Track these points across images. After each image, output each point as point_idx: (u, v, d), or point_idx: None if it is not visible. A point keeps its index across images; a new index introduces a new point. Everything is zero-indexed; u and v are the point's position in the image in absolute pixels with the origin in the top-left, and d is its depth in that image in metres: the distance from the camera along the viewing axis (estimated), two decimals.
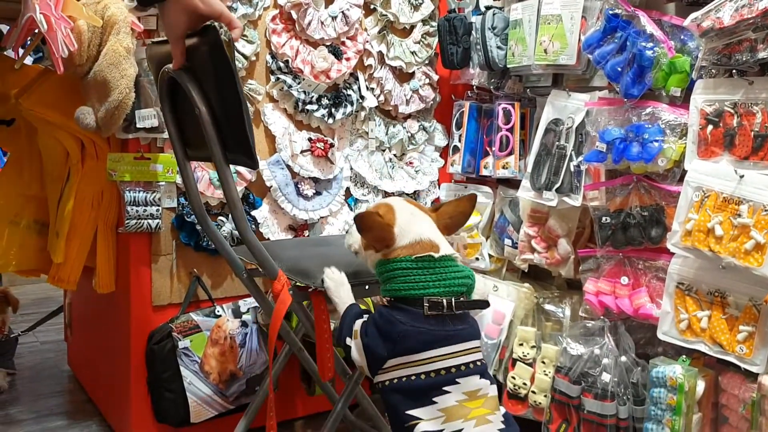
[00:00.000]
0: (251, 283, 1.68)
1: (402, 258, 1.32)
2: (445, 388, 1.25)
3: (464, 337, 1.30)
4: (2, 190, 2.12)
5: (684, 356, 1.72)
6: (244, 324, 1.96)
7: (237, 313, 1.97)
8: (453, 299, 1.29)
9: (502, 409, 1.30)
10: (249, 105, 1.97)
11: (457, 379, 1.26)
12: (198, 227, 1.89)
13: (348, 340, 1.35)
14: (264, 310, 1.84)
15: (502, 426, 1.25)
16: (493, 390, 1.30)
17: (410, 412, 1.23)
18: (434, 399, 1.23)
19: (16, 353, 2.63)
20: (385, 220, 1.35)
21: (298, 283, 1.53)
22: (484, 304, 1.39)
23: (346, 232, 1.51)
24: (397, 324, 1.28)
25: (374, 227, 1.34)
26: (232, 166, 1.90)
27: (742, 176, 1.59)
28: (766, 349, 1.57)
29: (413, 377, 1.25)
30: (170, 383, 1.86)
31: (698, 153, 1.69)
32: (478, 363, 1.30)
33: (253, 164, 1.40)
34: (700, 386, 1.68)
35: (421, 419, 1.22)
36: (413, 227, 1.35)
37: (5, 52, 2.00)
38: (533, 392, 2.02)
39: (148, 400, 1.93)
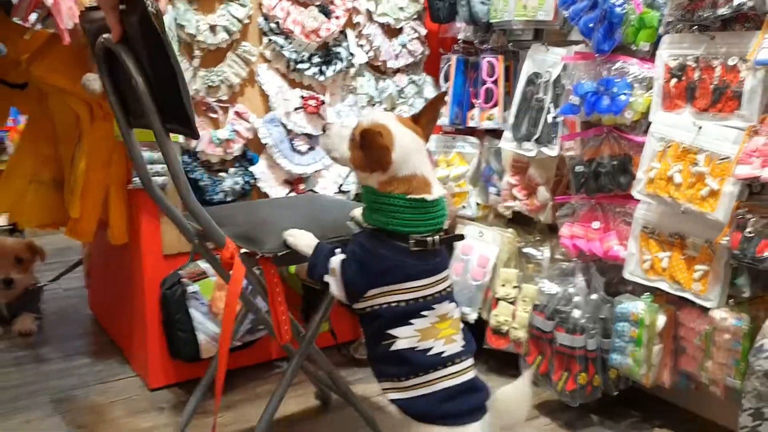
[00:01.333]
0: (204, 249, 1.67)
1: (396, 195, 1.33)
2: (422, 313, 1.36)
3: (440, 268, 1.39)
4: (22, 151, 2.28)
5: (648, 293, 1.87)
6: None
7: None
8: (437, 236, 1.36)
9: (461, 326, 1.44)
10: (244, 65, 2.09)
11: (433, 305, 1.37)
12: (201, 184, 2.05)
13: (326, 277, 1.41)
14: (220, 276, 1.86)
15: (463, 342, 1.41)
16: (457, 312, 1.43)
17: (388, 331, 1.35)
18: (411, 321, 1.35)
19: (44, 300, 2.85)
20: (385, 142, 1.33)
21: (244, 250, 1.53)
22: (460, 237, 1.49)
23: (323, 131, 1.47)
24: (383, 259, 1.34)
25: (375, 148, 1.33)
26: (231, 126, 2.05)
27: (700, 127, 1.70)
28: (719, 286, 1.71)
29: (393, 304, 1.35)
30: (182, 324, 2.05)
31: (663, 105, 1.80)
32: (448, 289, 1.41)
33: (192, 133, 1.39)
34: (661, 320, 1.83)
35: (397, 337, 1.35)
36: (411, 158, 1.35)
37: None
38: (514, 328, 2.19)
39: (162, 339, 2.12)
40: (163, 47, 1.29)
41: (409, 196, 1.34)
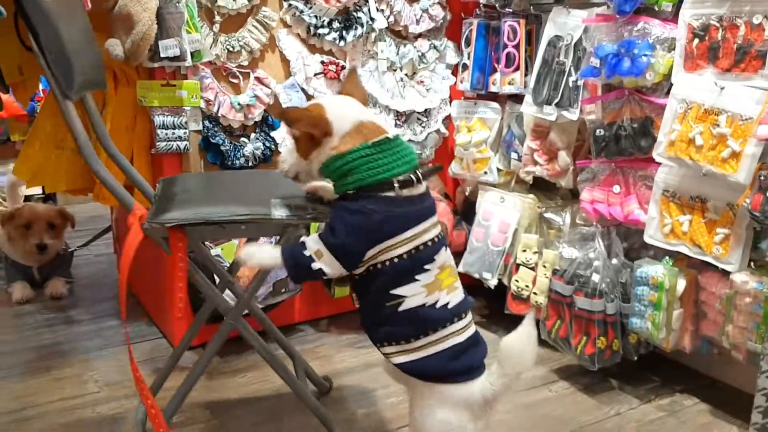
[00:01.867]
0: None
1: (359, 147, 1.30)
2: (425, 267, 1.33)
3: (430, 211, 1.36)
4: (49, 118, 2.32)
5: (668, 257, 1.86)
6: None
7: None
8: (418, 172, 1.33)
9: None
10: (264, 30, 2.10)
11: (433, 256, 1.34)
12: (223, 149, 2.07)
13: (314, 266, 1.33)
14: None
15: (462, 289, 1.41)
16: (451, 259, 1.40)
17: (394, 291, 1.32)
18: (416, 278, 1.33)
19: (74, 265, 2.92)
20: (311, 109, 1.33)
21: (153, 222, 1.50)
22: (439, 168, 1.51)
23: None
24: (373, 214, 1.29)
25: (302, 117, 1.31)
26: (251, 92, 2.06)
27: (722, 88, 1.67)
28: (740, 249, 1.70)
29: (396, 260, 1.31)
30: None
31: (684, 66, 1.77)
32: (441, 235, 1.38)
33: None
34: (681, 284, 1.82)
35: (405, 296, 1.32)
36: (348, 112, 1.33)
37: None
38: (534, 293, 2.19)
39: (187, 301, 2.16)
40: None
41: (370, 142, 1.30)
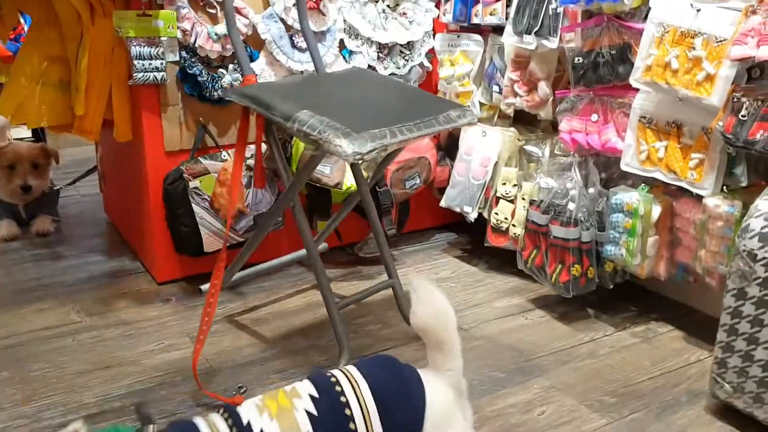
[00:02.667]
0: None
1: None
2: None
3: None
4: (29, 53, 2.30)
5: (643, 185, 1.86)
6: (248, 167, 2.16)
7: None
8: None
9: None
10: None
11: None
12: (200, 79, 2.06)
13: None
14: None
15: None
16: None
17: None
18: None
19: (62, 205, 2.93)
20: None
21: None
22: None
23: None
24: None
25: None
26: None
27: (698, 10, 1.66)
28: (714, 174, 1.70)
29: None
30: (184, 218, 2.10)
31: None
32: None
33: None
34: (656, 211, 1.82)
35: None
36: None
37: None
38: (513, 225, 2.20)
39: (167, 235, 2.18)
40: None
41: None
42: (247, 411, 1.13)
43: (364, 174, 2.04)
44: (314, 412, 1.13)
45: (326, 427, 1.13)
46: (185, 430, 1.13)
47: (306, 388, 1.17)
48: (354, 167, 2.01)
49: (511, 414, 1.60)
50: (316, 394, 1.16)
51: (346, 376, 1.19)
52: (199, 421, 1.14)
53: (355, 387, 1.17)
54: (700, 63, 1.63)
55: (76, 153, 3.67)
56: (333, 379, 1.18)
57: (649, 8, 1.77)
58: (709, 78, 1.62)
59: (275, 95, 1.67)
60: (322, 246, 2.35)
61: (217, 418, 1.14)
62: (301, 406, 1.14)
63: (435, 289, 1.23)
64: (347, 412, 1.14)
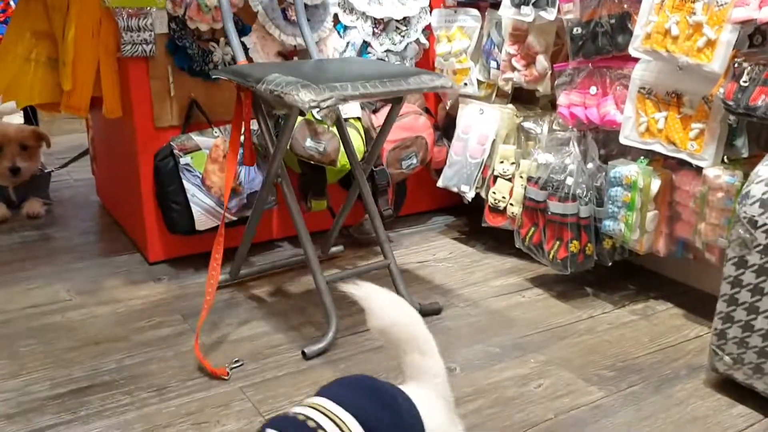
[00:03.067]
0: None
1: None
2: None
3: None
4: (16, 30, 2.26)
5: (642, 158, 1.82)
6: (241, 144, 2.12)
7: None
8: None
9: None
10: None
11: None
12: (190, 52, 2.02)
13: None
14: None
15: None
16: None
17: None
18: None
19: (54, 189, 2.90)
20: None
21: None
22: None
23: None
24: None
25: None
26: None
27: None
28: (714, 144, 1.66)
29: None
30: (175, 196, 2.06)
31: None
32: None
33: None
34: (655, 184, 1.78)
35: None
36: None
37: None
38: (511, 204, 2.16)
39: (159, 213, 2.14)
40: None
41: None
42: None
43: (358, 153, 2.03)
44: None
45: None
46: None
47: None
48: (345, 143, 1.98)
49: (507, 387, 1.56)
50: None
51: (323, 413, 0.89)
52: None
53: (339, 424, 0.88)
54: (700, 28, 1.59)
55: (70, 140, 3.63)
56: (303, 420, 0.88)
57: None
58: (710, 43, 1.58)
59: (255, 68, 1.71)
60: (338, 248, 2.31)
61: None
62: None
63: (380, 289, 1.04)
64: None
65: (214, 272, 1.74)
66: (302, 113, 1.80)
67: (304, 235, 1.78)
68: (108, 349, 1.72)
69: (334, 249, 2.27)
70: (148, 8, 1.96)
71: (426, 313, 1.86)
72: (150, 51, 1.98)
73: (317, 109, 1.53)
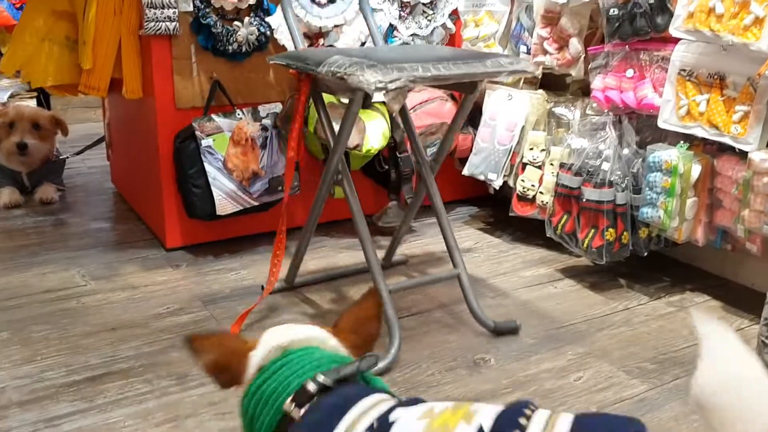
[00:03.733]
0: None
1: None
2: None
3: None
4: (34, 9, 2.21)
5: (682, 142, 1.75)
6: (264, 128, 2.06)
7: (256, 117, 2.07)
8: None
9: None
10: None
11: None
12: (214, 31, 1.97)
13: None
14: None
15: None
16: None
17: None
18: None
19: (67, 176, 2.84)
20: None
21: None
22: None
23: None
24: None
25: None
26: None
27: None
28: (759, 127, 1.59)
29: None
30: (196, 179, 2.00)
31: None
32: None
33: None
34: (696, 170, 1.72)
35: None
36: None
37: None
38: (541, 193, 2.10)
39: (178, 198, 2.08)
40: None
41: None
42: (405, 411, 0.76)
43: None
44: None
45: None
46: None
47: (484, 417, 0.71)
48: (410, 133, 1.84)
49: (545, 379, 1.49)
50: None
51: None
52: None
53: None
54: (747, 5, 1.53)
55: (84, 128, 3.58)
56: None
57: None
58: (758, 21, 1.52)
59: (315, 52, 1.59)
60: (400, 257, 2.10)
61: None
62: None
63: (741, 348, 0.68)
64: None
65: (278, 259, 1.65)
66: (366, 97, 1.57)
67: (366, 241, 1.62)
68: (125, 336, 1.66)
69: (396, 258, 2.07)
70: None
71: (501, 331, 1.67)
72: (174, 29, 1.92)
73: (384, 92, 1.37)
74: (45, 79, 2.22)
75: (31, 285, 1.93)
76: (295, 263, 1.86)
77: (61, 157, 2.75)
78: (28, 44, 2.20)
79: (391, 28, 2.22)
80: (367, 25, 1.84)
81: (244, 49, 2.01)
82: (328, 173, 1.65)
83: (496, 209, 2.50)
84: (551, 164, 2.08)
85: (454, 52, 1.64)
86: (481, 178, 2.23)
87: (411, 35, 2.26)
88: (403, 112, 1.82)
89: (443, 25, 2.32)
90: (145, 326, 1.71)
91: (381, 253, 2.13)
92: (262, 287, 1.81)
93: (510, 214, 2.19)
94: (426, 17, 2.27)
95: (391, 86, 1.35)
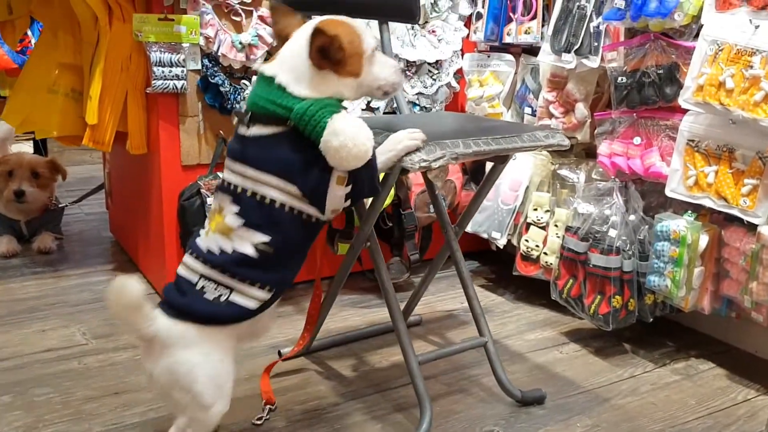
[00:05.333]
0: None
1: None
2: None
3: (249, 160, 1.24)
4: (40, 60, 2.22)
5: (690, 211, 1.76)
6: None
7: None
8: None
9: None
10: None
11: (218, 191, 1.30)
12: (222, 90, 1.97)
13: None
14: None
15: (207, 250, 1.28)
16: (231, 220, 1.25)
17: None
18: None
19: (64, 223, 2.82)
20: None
21: None
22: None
23: None
24: None
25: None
26: (254, 30, 1.95)
27: (757, 26, 1.57)
28: None
29: None
30: None
31: (716, 6, 1.67)
32: (246, 192, 1.24)
33: None
34: (703, 240, 1.72)
35: None
36: None
37: None
38: (545, 254, 2.09)
39: (180, 253, 2.06)
40: None
41: None
42: None
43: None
44: None
45: None
46: None
47: None
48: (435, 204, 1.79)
49: None
50: None
51: None
52: None
53: None
54: (758, 82, 1.55)
55: (80, 171, 3.57)
56: None
57: (701, 25, 1.69)
58: None
59: None
60: (415, 318, 2.07)
61: None
62: None
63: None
64: None
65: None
66: None
67: (395, 310, 1.56)
68: (130, 401, 1.63)
69: (411, 319, 2.03)
70: (181, 43, 1.91)
71: (528, 401, 1.65)
72: (181, 87, 1.92)
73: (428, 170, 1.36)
74: (49, 130, 2.21)
75: (32, 343, 1.89)
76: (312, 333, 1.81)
77: (59, 206, 2.73)
78: (32, 95, 2.19)
79: None
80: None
81: None
82: (359, 241, 1.60)
83: (499, 265, 2.50)
84: (555, 225, 2.08)
85: (485, 125, 1.63)
86: (485, 236, 2.23)
87: (416, 94, 2.27)
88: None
89: (448, 85, 2.33)
90: (149, 390, 1.68)
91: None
92: (279, 353, 1.80)
93: (513, 273, 2.19)
94: (431, 76, 2.29)
95: (435, 165, 1.33)
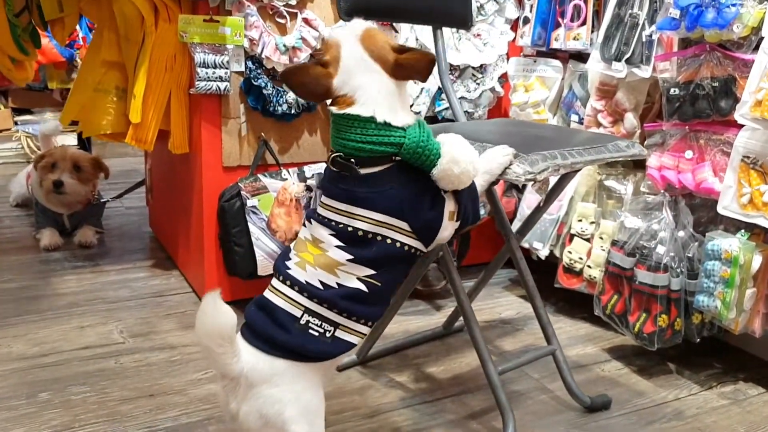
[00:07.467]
0: None
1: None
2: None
3: (354, 201, 1.18)
4: (89, 61, 2.23)
5: (743, 230, 1.69)
6: (308, 188, 2.04)
7: (302, 178, 2.04)
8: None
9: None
10: None
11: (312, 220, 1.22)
12: (265, 92, 1.95)
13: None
14: None
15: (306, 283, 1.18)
16: (336, 254, 1.18)
17: None
18: None
19: (105, 216, 2.84)
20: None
21: None
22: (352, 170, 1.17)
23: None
24: None
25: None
26: (298, 33, 1.93)
27: None
28: None
29: None
30: (239, 238, 1.98)
31: None
32: (348, 228, 1.18)
33: None
34: (757, 261, 1.66)
35: None
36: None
37: None
38: (588, 267, 2.04)
39: (219, 254, 2.06)
40: None
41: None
42: None
43: None
44: None
45: None
46: None
47: None
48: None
49: None
50: None
51: None
52: None
53: None
54: None
55: (122, 164, 3.61)
56: None
57: (761, 38, 1.62)
58: None
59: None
60: (460, 323, 2.03)
61: None
62: None
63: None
64: None
65: None
66: None
67: (472, 320, 1.53)
68: (163, 404, 1.63)
69: (458, 324, 2.03)
70: (226, 45, 1.89)
71: (595, 408, 1.67)
72: (224, 89, 1.91)
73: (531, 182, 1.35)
74: (97, 128, 2.22)
75: (71, 340, 1.91)
76: (372, 336, 1.80)
77: (102, 201, 2.75)
78: (82, 95, 2.20)
79: (439, 91, 2.20)
80: (449, 102, 1.78)
81: (293, 111, 2.00)
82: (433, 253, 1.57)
83: (538, 275, 2.43)
84: (600, 238, 2.02)
85: (561, 134, 1.62)
86: (526, 246, 2.19)
87: (459, 98, 2.23)
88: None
89: (492, 89, 2.29)
90: (182, 393, 1.68)
91: (433, 319, 2.09)
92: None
93: (555, 285, 2.14)
94: (475, 81, 2.25)
95: (540, 177, 1.32)
